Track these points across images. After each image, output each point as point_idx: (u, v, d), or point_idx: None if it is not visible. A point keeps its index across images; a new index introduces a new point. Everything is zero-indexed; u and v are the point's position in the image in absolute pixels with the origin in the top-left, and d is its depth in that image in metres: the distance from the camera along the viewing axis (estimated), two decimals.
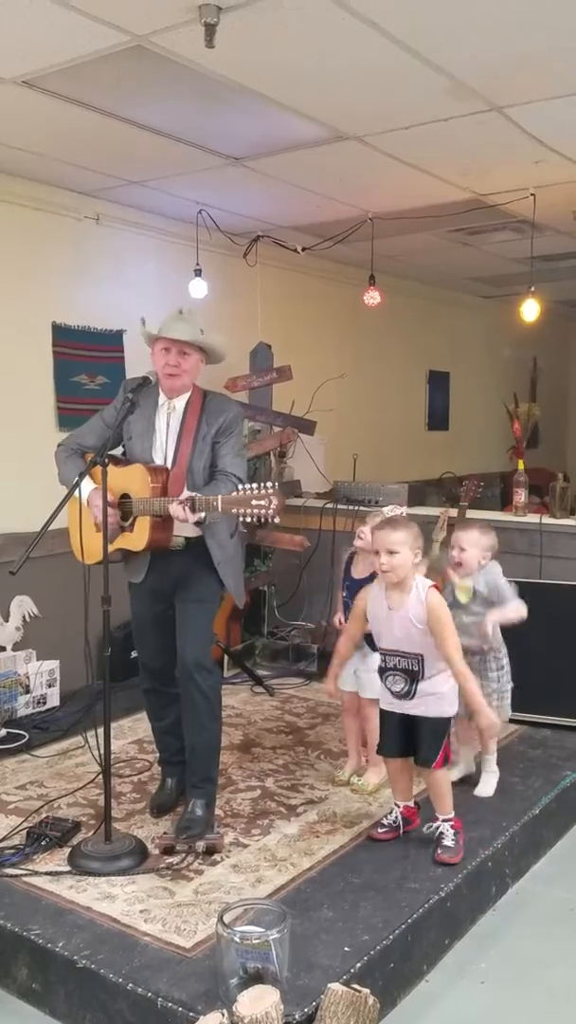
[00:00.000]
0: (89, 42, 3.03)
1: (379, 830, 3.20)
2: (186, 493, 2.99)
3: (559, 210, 5.19)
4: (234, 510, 2.82)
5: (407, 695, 3.04)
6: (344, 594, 3.67)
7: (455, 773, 3.61)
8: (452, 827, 3.08)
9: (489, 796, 3.53)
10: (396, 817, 3.22)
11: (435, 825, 3.11)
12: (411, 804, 3.25)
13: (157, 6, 2.77)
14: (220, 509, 2.87)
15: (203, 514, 2.97)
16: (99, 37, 2.99)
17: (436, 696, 3.03)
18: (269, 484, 2.80)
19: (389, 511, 3.49)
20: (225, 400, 3.39)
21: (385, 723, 3.17)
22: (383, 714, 3.17)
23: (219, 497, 2.87)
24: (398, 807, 3.24)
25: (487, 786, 3.57)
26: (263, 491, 2.77)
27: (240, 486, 2.85)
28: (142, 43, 3.03)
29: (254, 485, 2.80)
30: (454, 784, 3.46)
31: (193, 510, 2.93)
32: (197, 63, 3.19)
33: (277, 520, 2.80)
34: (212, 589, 3.29)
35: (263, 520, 2.78)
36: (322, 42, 3.03)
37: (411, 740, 3.11)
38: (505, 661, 3.59)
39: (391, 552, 2.96)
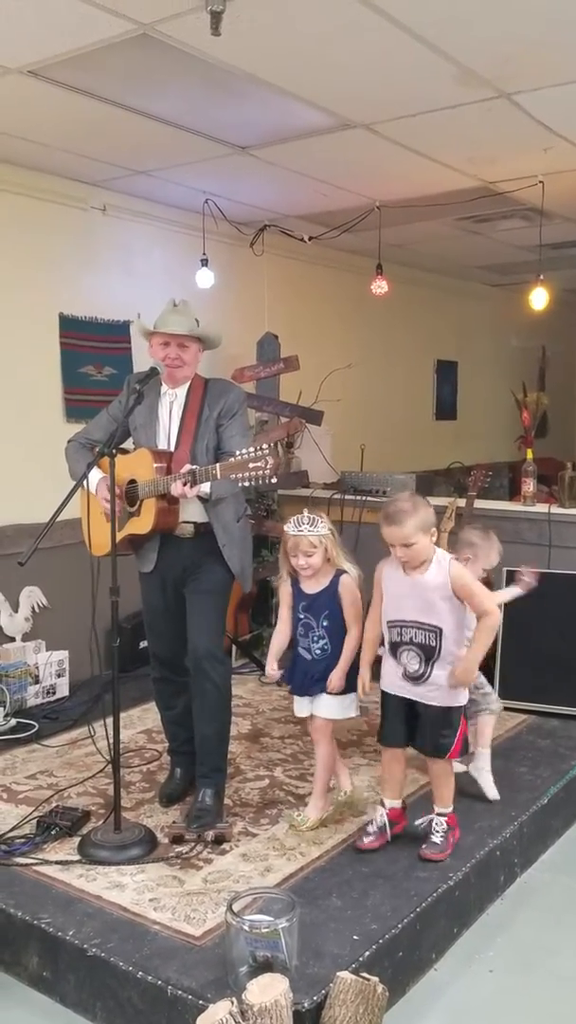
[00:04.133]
0: (95, 31, 3.02)
1: (365, 839, 3.04)
2: (186, 467, 3.02)
3: (568, 198, 5.15)
4: (233, 475, 2.85)
5: (420, 676, 2.94)
6: (303, 616, 3.21)
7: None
8: (446, 822, 3.02)
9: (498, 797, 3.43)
10: (383, 821, 3.05)
11: (429, 817, 3.04)
12: (398, 805, 3.10)
13: None
14: (219, 476, 2.90)
15: (206, 488, 3.02)
16: (105, 26, 2.98)
17: (447, 687, 2.94)
18: (264, 446, 2.82)
19: (297, 527, 3.13)
20: (226, 384, 3.42)
21: (388, 708, 3.05)
22: (386, 697, 3.06)
23: (217, 465, 2.93)
24: (384, 808, 3.08)
25: (492, 788, 3.44)
26: (259, 453, 2.79)
27: (237, 452, 2.87)
28: (148, 32, 3.02)
29: (250, 450, 2.82)
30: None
31: (194, 483, 2.96)
32: (203, 51, 3.17)
33: (275, 480, 2.81)
34: (223, 579, 3.30)
35: (262, 481, 2.79)
36: (329, 29, 3.01)
37: (411, 725, 3.01)
38: None
39: (407, 545, 2.87)
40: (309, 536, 3.10)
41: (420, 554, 2.90)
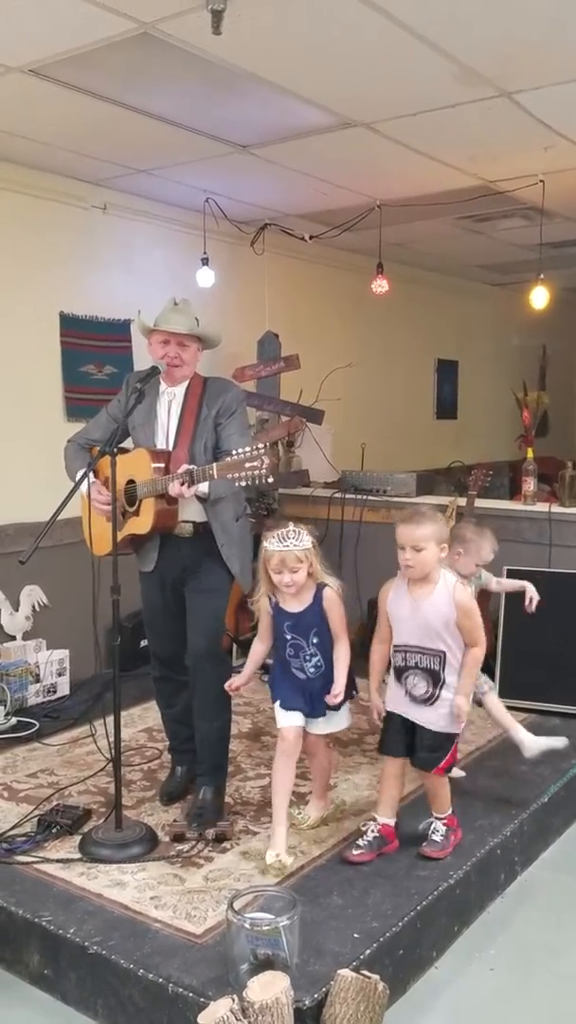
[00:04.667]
0: (95, 30, 3.02)
1: (354, 852, 2.95)
2: (184, 467, 3.01)
3: (569, 196, 5.15)
4: (229, 475, 2.84)
5: (429, 699, 2.93)
6: (290, 637, 3.02)
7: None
8: (445, 824, 3.03)
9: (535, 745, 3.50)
10: (375, 835, 2.98)
11: (428, 821, 3.07)
12: (391, 823, 3.02)
13: None
14: (216, 475, 2.89)
15: (204, 487, 3.01)
16: (105, 25, 2.98)
17: (451, 713, 2.93)
18: (260, 445, 2.82)
19: (282, 542, 2.93)
20: (225, 382, 3.42)
21: (390, 722, 3.03)
22: (389, 715, 3.03)
23: (214, 465, 2.92)
24: (376, 823, 3.01)
25: (547, 740, 3.53)
26: (255, 452, 2.79)
27: (234, 452, 2.86)
28: (148, 30, 3.02)
29: (246, 449, 2.82)
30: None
31: (191, 483, 2.96)
32: (204, 50, 3.17)
33: (271, 480, 2.81)
34: (222, 579, 3.30)
35: (258, 480, 2.79)
36: (329, 28, 3.01)
37: (411, 741, 3.00)
38: None
39: (417, 549, 2.84)
40: (295, 551, 2.90)
41: (426, 564, 2.87)
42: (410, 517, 2.90)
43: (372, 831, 3.00)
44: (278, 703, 3.08)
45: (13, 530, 4.53)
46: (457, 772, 3.46)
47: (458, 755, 3.16)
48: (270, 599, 3.03)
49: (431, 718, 2.95)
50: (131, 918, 2.64)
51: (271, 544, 2.92)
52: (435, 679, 2.93)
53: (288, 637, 3.02)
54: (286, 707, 3.05)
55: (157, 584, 3.35)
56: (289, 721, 3.05)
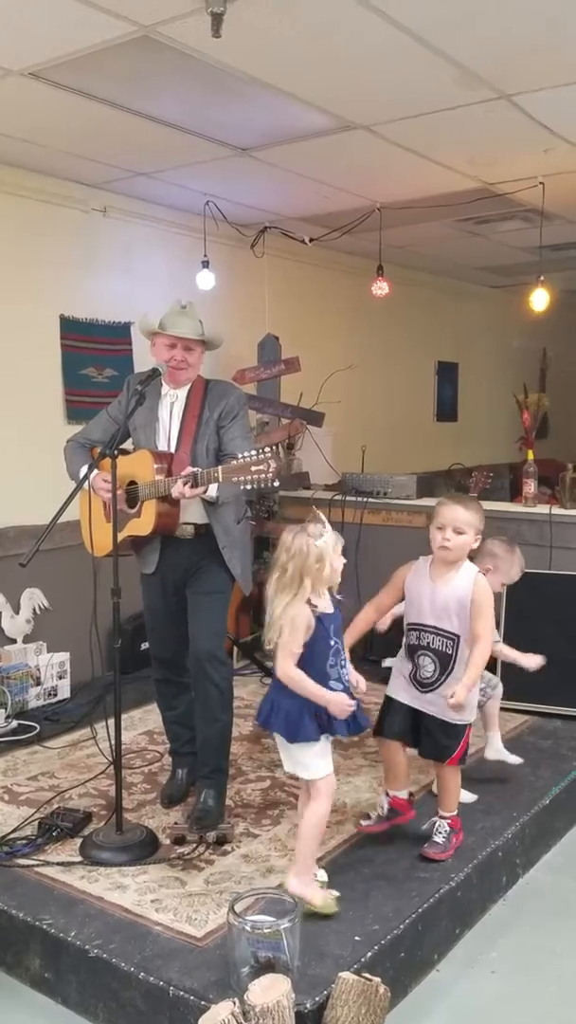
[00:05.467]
0: (96, 33, 3.02)
1: (364, 822, 3.05)
2: (188, 469, 3.01)
3: (568, 199, 5.16)
4: (235, 478, 2.84)
5: (432, 684, 2.93)
6: (334, 641, 2.66)
7: None
8: (449, 825, 3.03)
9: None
10: (384, 807, 3.05)
11: (432, 820, 3.06)
12: (403, 795, 3.04)
13: None
14: (221, 478, 2.89)
15: (214, 491, 3.01)
16: (106, 28, 2.98)
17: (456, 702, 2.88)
18: (267, 449, 2.81)
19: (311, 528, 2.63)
20: (227, 385, 3.41)
21: (391, 706, 3.01)
22: (390, 700, 3.02)
23: (219, 468, 2.91)
24: (387, 796, 3.05)
25: (511, 756, 3.62)
26: (261, 456, 2.78)
27: (240, 455, 2.86)
28: (149, 33, 3.02)
29: (253, 452, 2.82)
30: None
31: (195, 485, 2.95)
32: (204, 53, 3.17)
33: (276, 484, 2.80)
34: (223, 581, 3.30)
35: (263, 484, 2.79)
36: (329, 31, 3.02)
37: (415, 729, 2.99)
38: None
39: (458, 532, 2.87)
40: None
41: (462, 548, 2.91)
42: (457, 499, 2.96)
43: (383, 803, 3.03)
44: (328, 736, 2.68)
45: (14, 532, 4.53)
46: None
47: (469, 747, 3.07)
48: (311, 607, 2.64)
49: (437, 706, 2.93)
50: (132, 921, 2.64)
51: (333, 536, 2.63)
52: (444, 664, 2.93)
53: (332, 643, 2.67)
54: (346, 734, 2.69)
55: (158, 586, 3.35)
56: (328, 764, 2.71)
